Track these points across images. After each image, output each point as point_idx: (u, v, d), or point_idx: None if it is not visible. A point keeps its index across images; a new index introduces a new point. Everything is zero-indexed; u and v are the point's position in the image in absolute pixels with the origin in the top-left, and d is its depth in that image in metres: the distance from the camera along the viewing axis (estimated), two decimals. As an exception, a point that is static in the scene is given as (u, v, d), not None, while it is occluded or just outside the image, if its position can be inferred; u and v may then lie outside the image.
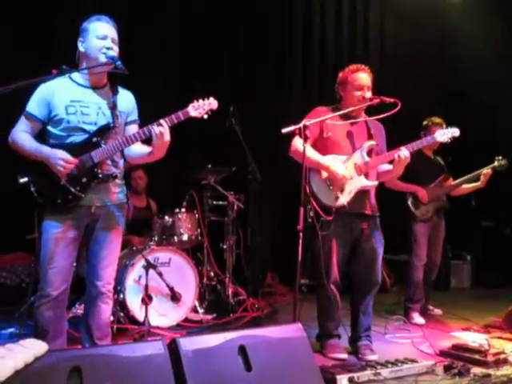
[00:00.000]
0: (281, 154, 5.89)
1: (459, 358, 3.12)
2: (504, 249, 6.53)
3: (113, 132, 2.67)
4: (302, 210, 2.86)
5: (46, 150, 2.57)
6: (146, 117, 2.85)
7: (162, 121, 2.58)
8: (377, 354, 3.26)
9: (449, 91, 7.03)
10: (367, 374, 2.74)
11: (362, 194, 3.31)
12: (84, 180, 2.59)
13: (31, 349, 1.76)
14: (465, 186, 4.69)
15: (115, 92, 2.73)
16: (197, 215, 4.59)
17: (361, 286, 3.41)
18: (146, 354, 1.99)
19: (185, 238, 4.46)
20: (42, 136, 2.67)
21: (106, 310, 2.74)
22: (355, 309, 3.43)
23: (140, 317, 3.80)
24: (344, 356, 3.29)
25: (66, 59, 2.58)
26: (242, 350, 2.16)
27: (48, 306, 2.59)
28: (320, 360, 3.08)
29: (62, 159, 2.52)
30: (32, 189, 2.57)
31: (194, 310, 4.30)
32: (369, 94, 3.33)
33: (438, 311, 4.80)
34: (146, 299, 3.63)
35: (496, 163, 4.54)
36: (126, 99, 2.79)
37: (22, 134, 2.61)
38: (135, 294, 3.92)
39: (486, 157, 4.64)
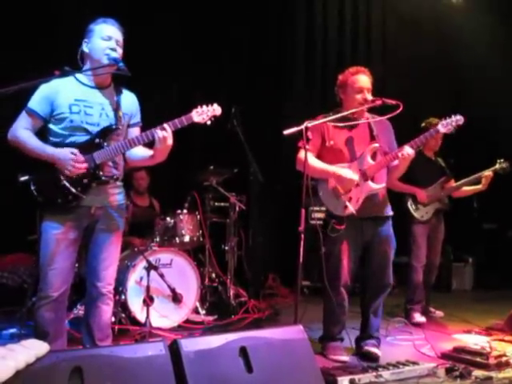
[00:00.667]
0: (282, 156, 5.95)
1: (461, 360, 3.11)
2: (506, 251, 6.51)
3: (115, 133, 2.68)
4: (303, 211, 2.86)
5: (51, 149, 2.56)
6: (147, 118, 2.86)
7: (165, 125, 2.59)
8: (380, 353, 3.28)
9: (450, 91, 7.03)
10: (368, 376, 2.74)
11: (370, 197, 3.30)
12: (85, 181, 2.59)
13: (32, 349, 1.76)
14: (466, 188, 4.67)
15: (119, 93, 2.74)
16: (198, 216, 4.59)
17: (373, 287, 3.40)
18: (147, 355, 1.98)
19: (186, 239, 4.47)
20: (41, 133, 2.66)
21: (106, 310, 2.74)
22: (366, 310, 3.43)
23: (141, 318, 3.81)
24: (345, 358, 3.29)
25: (68, 60, 2.59)
26: (243, 351, 2.15)
27: (48, 308, 2.59)
28: (321, 362, 3.08)
29: (72, 160, 2.51)
30: (32, 187, 2.56)
31: (196, 312, 4.30)
32: (369, 96, 3.30)
33: (439, 313, 4.79)
34: (148, 300, 3.64)
35: (497, 166, 4.51)
36: (129, 101, 2.79)
37: (23, 132, 2.60)
38: (137, 295, 3.92)
39: (487, 159, 4.63)
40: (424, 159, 4.56)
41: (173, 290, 3.92)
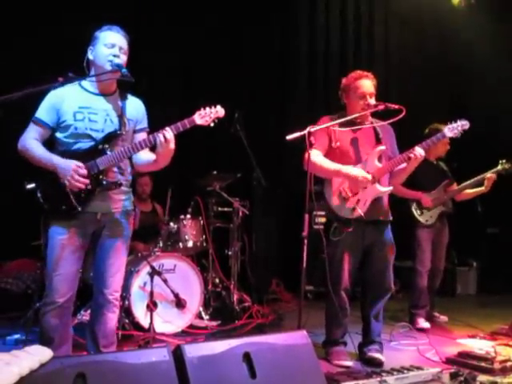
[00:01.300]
0: (285, 160, 5.95)
1: (465, 365, 3.11)
2: (510, 255, 6.48)
3: (120, 139, 2.68)
4: (306, 216, 2.86)
5: (57, 159, 2.57)
6: (149, 121, 2.87)
7: (167, 128, 2.59)
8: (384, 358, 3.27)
9: (452, 92, 7.03)
10: (373, 382, 2.72)
11: (375, 201, 3.29)
12: (88, 187, 2.59)
13: (37, 355, 1.76)
14: (469, 190, 4.64)
15: (124, 99, 2.74)
16: (202, 221, 4.59)
17: (373, 292, 3.40)
18: (151, 361, 1.98)
19: (190, 244, 4.47)
20: (50, 143, 2.68)
21: (112, 318, 2.74)
22: (367, 315, 3.42)
23: (145, 323, 3.81)
24: (349, 363, 3.28)
25: (73, 67, 2.60)
26: (247, 356, 2.14)
27: (54, 314, 2.59)
28: (325, 367, 3.08)
29: (74, 171, 2.52)
30: (38, 195, 2.58)
31: (199, 317, 4.30)
32: (372, 101, 3.29)
33: (443, 318, 4.77)
34: (151, 306, 3.64)
35: (500, 167, 4.47)
36: (134, 106, 2.80)
37: (32, 142, 2.62)
38: (140, 300, 3.92)
39: (489, 161, 4.60)
40: (426, 164, 4.54)
41: (176, 296, 3.92)
